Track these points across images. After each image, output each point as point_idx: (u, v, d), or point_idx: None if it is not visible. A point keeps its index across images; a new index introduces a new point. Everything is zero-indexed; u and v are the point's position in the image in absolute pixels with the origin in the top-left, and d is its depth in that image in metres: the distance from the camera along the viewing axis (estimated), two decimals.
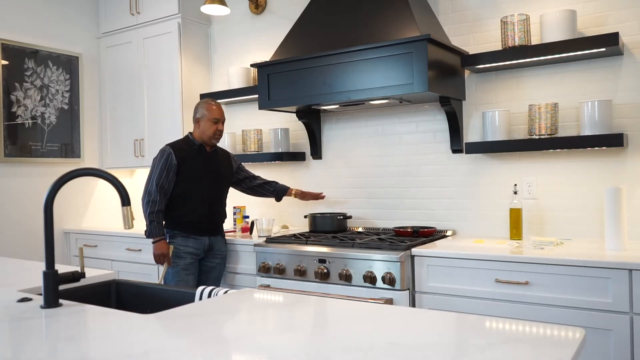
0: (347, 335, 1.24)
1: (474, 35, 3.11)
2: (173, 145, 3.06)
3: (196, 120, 3.10)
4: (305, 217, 3.44)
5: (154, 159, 3.06)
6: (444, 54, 2.86)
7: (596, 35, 2.55)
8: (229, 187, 3.30)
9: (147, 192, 2.98)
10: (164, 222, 3.05)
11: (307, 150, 3.75)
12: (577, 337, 1.18)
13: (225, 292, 1.73)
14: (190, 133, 3.15)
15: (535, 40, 2.88)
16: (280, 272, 2.96)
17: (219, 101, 3.92)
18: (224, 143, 3.91)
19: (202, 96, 3.94)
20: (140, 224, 3.38)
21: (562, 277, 2.27)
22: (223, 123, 3.12)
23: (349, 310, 1.48)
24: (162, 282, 2.94)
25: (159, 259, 2.96)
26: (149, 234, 2.96)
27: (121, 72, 4.33)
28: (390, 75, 2.80)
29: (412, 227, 3.12)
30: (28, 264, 2.39)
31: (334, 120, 3.63)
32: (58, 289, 1.57)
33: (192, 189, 3.04)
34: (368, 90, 2.88)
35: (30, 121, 4.03)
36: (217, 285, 3.05)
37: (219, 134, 3.09)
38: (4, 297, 1.69)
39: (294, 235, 3.18)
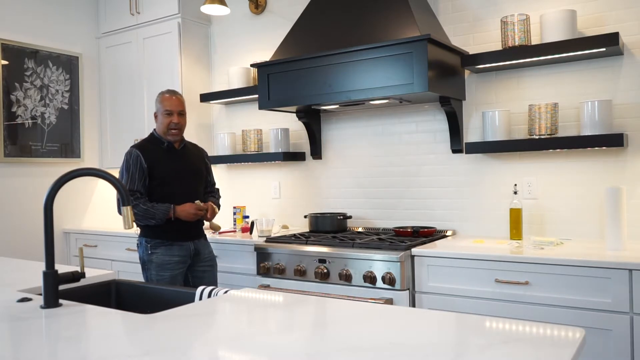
0: (347, 335, 1.24)
1: (474, 35, 3.11)
2: (139, 147, 2.76)
3: (154, 116, 2.84)
4: (305, 217, 3.44)
5: (120, 167, 2.77)
6: (444, 54, 2.86)
7: (596, 35, 2.55)
8: (205, 184, 3.01)
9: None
10: (143, 230, 2.79)
11: (307, 150, 3.74)
12: (577, 337, 1.18)
13: (225, 292, 1.73)
14: (155, 130, 2.87)
15: (535, 40, 2.87)
16: (280, 272, 2.96)
17: (218, 101, 3.96)
18: (225, 143, 3.91)
19: (202, 96, 3.94)
20: None
21: (562, 277, 2.27)
22: (180, 114, 2.79)
23: (349, 310, 1.48)
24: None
25: (194, 216, 2.72)
26: (160, 219, 2.66)
27: (121, 72, 4.33)
28: (390, 75, 2.80)
29: (412, 227, 3.12)
30: (28, 264, 2.39)
31: (334, 120, 3.63)
32: (58, 289, 1.58)
33: (169, 193, 2.75)
34: (368, 90, 2.88)
35: (30, 121, 4.03)
36: None
37: (174, 127, 2.76)
38: (4, 297, 1.69)
39: (294, 235, 3.18)
